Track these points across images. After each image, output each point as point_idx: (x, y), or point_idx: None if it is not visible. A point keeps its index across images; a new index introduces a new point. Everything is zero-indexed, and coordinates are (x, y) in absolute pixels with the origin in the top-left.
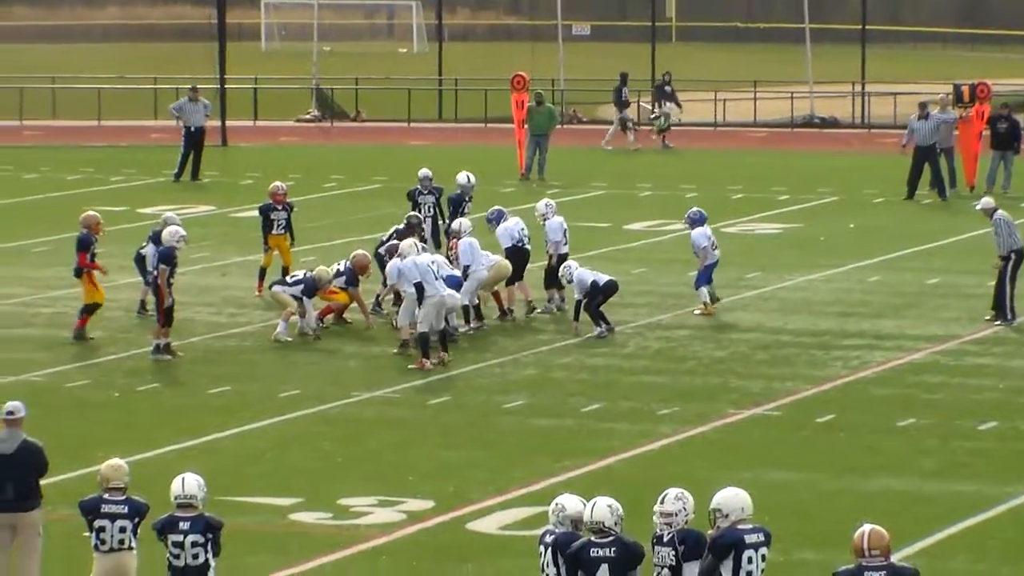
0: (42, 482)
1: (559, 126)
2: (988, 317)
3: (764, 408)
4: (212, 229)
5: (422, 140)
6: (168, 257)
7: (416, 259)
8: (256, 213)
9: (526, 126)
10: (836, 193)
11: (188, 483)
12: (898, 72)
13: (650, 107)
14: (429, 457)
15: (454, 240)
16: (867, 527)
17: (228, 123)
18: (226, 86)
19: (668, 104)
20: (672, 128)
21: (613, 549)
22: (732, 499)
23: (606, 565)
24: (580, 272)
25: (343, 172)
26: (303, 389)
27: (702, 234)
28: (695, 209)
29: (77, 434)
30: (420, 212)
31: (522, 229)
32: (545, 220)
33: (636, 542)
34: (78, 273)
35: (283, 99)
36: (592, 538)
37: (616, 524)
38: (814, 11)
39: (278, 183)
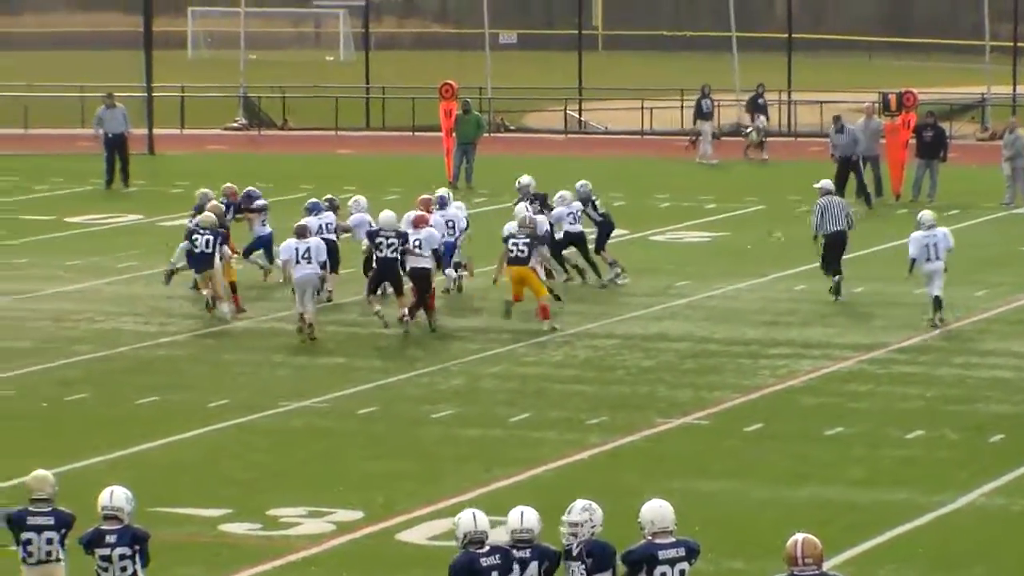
0: None
1: (486, 134)
2: (926, 321)
3: (692, 417)
4: (140, 238)
5: (349, 149)
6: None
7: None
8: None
9: (453, 134)
10: (762, 201)
11: (116, 495)
12: (824, 81)
13: (748, 120)
14: (358, 467)
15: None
16: (800, 536)
17: (155, 131)
18: (153, 94)
19: (760, 117)
20: (765, 140)
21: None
22: (648, 511)
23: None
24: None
25: (270, 181)
26: (231, 399)
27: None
28: None
29: (3, 445)
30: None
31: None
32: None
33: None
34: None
35: (210, 107)
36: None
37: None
38: (740, 20)
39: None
